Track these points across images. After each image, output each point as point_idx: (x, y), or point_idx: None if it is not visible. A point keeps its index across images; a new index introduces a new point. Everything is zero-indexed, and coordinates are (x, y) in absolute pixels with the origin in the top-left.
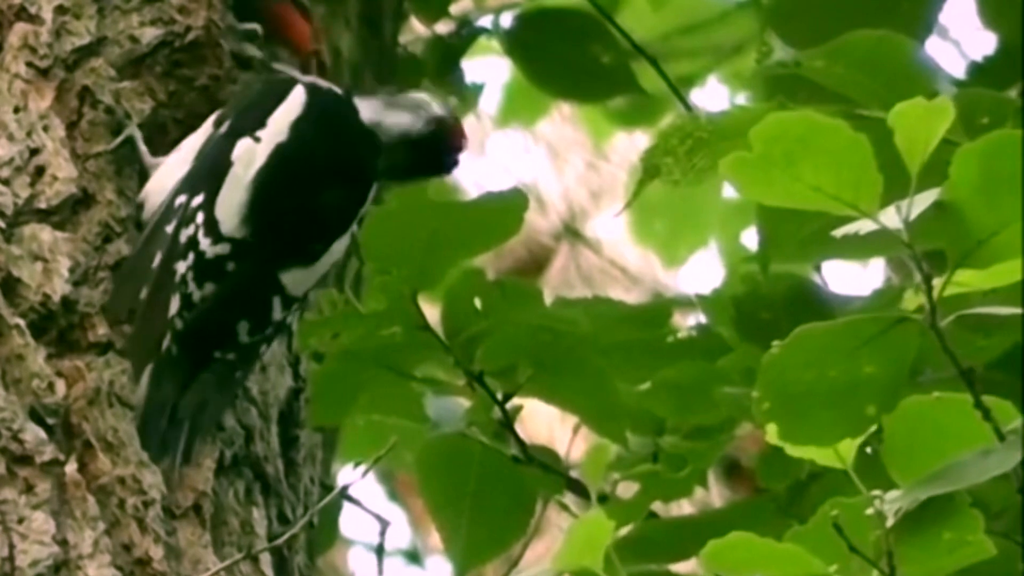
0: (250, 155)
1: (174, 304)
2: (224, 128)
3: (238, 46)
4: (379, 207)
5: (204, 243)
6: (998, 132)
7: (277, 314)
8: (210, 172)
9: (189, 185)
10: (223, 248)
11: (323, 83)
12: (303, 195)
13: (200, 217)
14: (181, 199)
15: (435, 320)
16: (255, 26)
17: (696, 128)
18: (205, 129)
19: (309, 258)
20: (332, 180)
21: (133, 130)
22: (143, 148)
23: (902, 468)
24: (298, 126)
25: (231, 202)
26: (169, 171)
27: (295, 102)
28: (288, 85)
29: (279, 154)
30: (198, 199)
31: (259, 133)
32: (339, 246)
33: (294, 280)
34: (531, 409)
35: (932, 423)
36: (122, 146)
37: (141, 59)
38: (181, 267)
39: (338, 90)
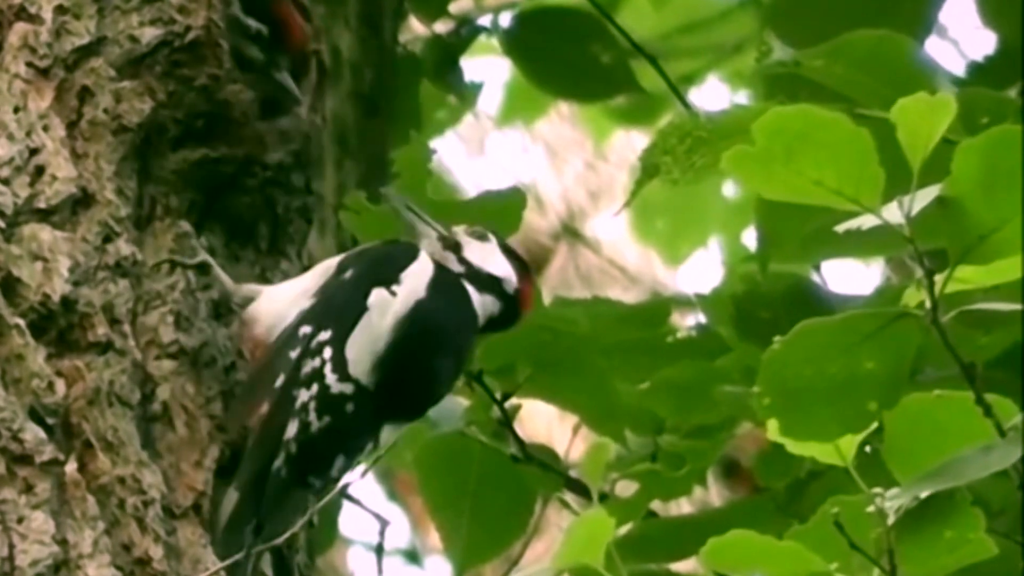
0: (386, 305)
1: (292, 428)
2: (350, 274)
3: (241, 43)
4: (378, 206)
5: (330, 378)
6: (999, 128)
7: (361, 457)
8: (340, 311)
9: (315, 318)
10: (347, 388)
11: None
12: (429, 356)
13: (328, 352)
14: (306, 330)
15: None
16: (262, 27)
17: (695, 127)
18: (323, 270)
19: (413, 416)
20: (449, 347)
21: (207, 258)
22: (223, 275)
23: (903, 465)
24: (433, 288)
25: (364, 347)
26: (285, 300)
27: (426, 266)
28: (414, 250)
29: (418, 310)
30: (325, 334)
31: (394, 287)
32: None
33: (388, 432)
34: (530, 409)
35: (933, 420)
36: (199, 269)
37: (141, 59)
38: (303, 395)
39: (455, 275)
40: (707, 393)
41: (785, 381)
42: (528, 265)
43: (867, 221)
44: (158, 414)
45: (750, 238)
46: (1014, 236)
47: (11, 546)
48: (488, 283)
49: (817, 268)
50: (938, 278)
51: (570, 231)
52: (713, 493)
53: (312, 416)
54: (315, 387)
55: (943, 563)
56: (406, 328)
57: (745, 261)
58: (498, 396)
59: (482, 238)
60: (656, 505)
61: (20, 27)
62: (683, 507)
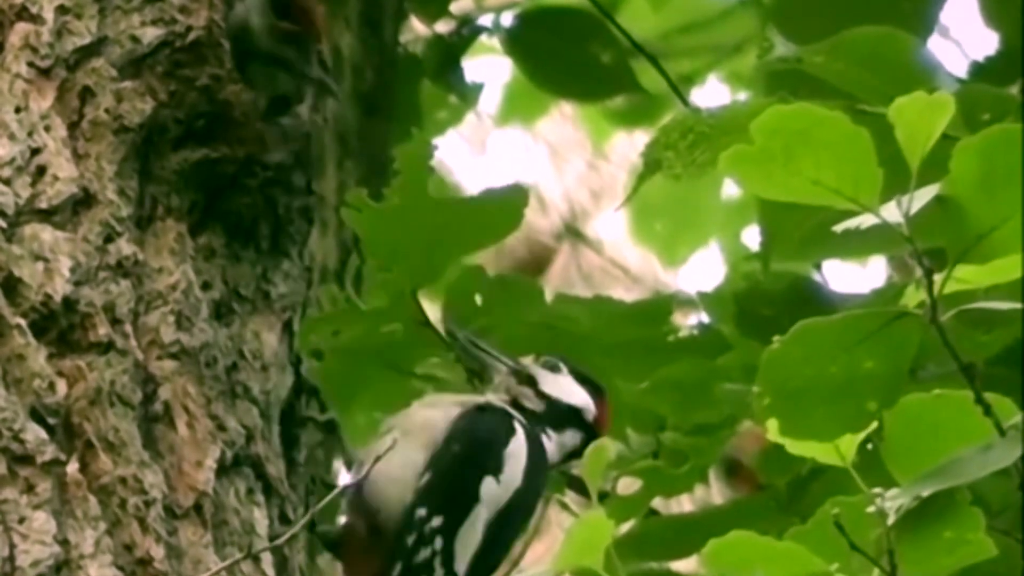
0: (492, 499)
1: None
2: (458, 450)
3: (275, 47)
4: (380, 204)
5: (439, 572)
6: (998, 127)
7: None
8: (452, 498)
9: (429, 501)
10: None
11: (523, 419)
12: (511, 537)
13: (439, 543)
14: (421, 513)
15: (436, 317)
16: (294, 27)
17: (697, 123)
18: (428, 430)
19: None
20: (526, 522)
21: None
22: (347, 443)
23: (902, 465)
24: (527, 474)
25: (470, 541)
26: (400, 474)
27: (520, 445)
28: (509, 420)
29: (515, 500)
30: (437, 520)
31: (500, 476)
32: None
33: None
34: None
35: (932, 419)
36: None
37: (142, 59)
38: None
39: (534, 431)
40: (708, 391)
41: (784, 381)
42: (601, 387)
43: (866, 220)
44: (159, 414)
45: (750, 237)
46: (1013, 235)
47: (12, 546)
48: (568, 417)
49: (818, 266)
50: (937, 277)
51: (572, 231)
52: (715, 492)
53: None
54: None
55: (943, 563)
56: (504, 519)
57: (747, 259)
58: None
59: (554, 369)
60: (658, 503)
61: (21, 27)
62: (684, 506)
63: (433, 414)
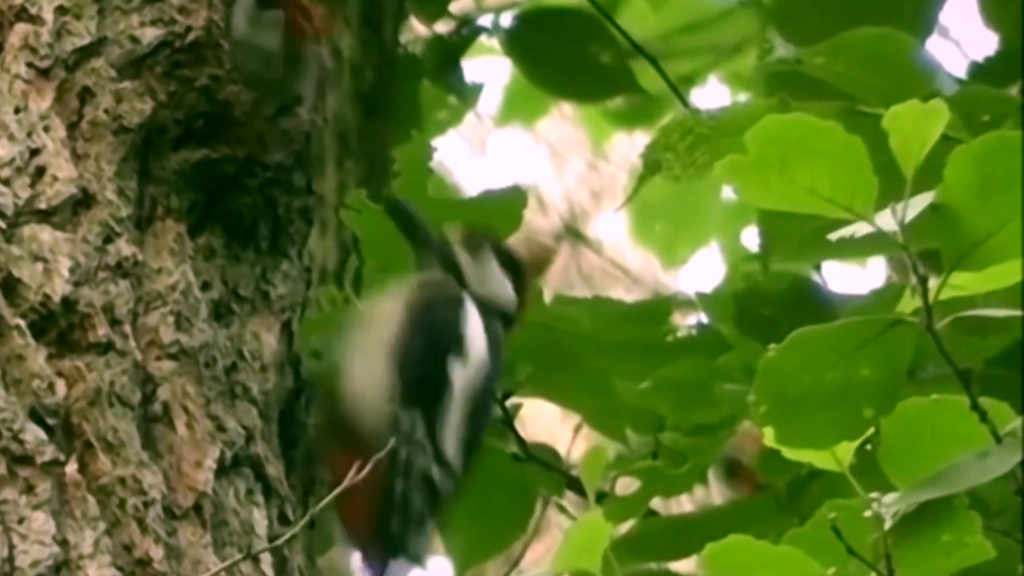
0: (466, 380)
1: (412, 539)
2: (418, 341)
3: (257, 36)
4: (380, 205)
5: (434, 471)
6: (994, 133)
7: None
8: (425, 392)
9: (406, 404)
10: (448, 482)
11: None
12: (485, 418)
13: (428, 444)
14: (404, 422)
15: None
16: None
17: (697, 124)
18: (382, 331)
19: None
20: (492, 404)
21: None
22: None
23: (900, 470)
24: (490, 350)
25: (453, 430)
26: (365, 376)
27: (476, 323)
28: (457, 300)
29: (487, 382)
30: (420, 423)
31: (465, 357)
32: None
33: None
34: (532, 408)
35: (929, 425)
36: None
37: (142, 59)
38: (416, 501)
39: (492, 304)
40: (708, 391)
41: (781, 388)
42: (523, 268)
43: (860, 228)
44: (159, 415)
45: (749, 238)
46: (1010, 241)
47: (11, 546)
48: (490, 310)
49: (817, 267)
50: (934, 283)
51: (572, 232)
52: (715, 493)
53: (428, 522)
54: (425, 488)
55: (940, 566)
56: (478, 403)
57: (746, 260)
58: (499, 395)
59: (479, 250)
60: (657, 504)
61: (21, 28)
62: (684, 506)
63: (386, 311)
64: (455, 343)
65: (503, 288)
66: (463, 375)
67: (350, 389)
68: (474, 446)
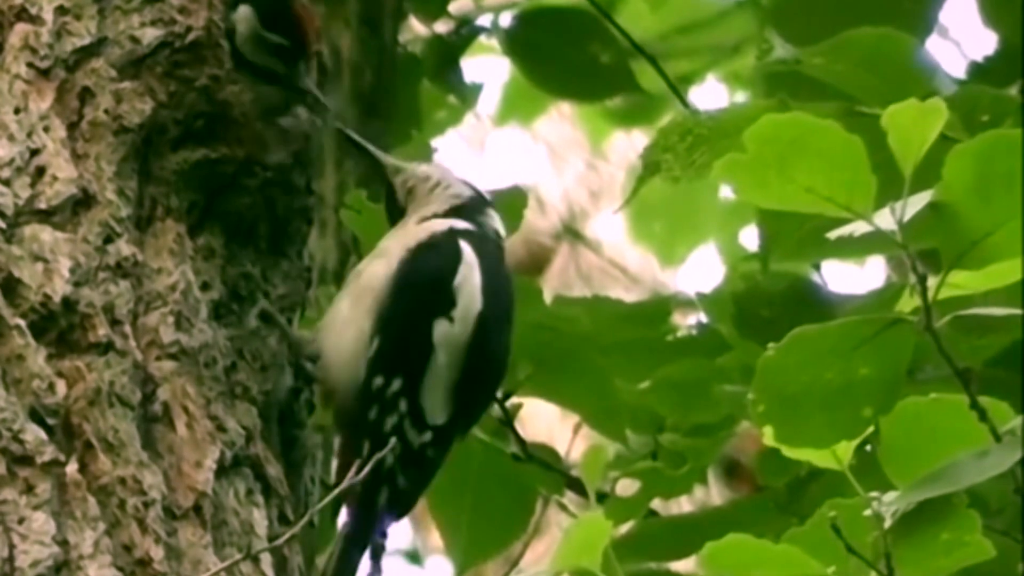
0: (450, 340)
1: (383, 496)
2: (405, 304)
3: (263, 59)
4: (379, 205)
5: (411, 434)
6: (992, 132)
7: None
8: (407, 355)
9: (384, 367)
10: (427, 436)
11: (468, 225)
12: (493, 362)
13: (404, 405)
14: (378, 382)
15: None
16: (283, 40)
17: (696, 125)
18: (370, 294)
19: (477, 420)
20: (508, 330)
21: (267, 305)
22: (283, 321)
23: (899, 469)
24: (485, 292)
25: (437, 389)
26: (349, 351)
27: (469, 266)
28: (452, 244)
29: (481, 327)
30: (397, 383)
31: (452, 313)
32: None
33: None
34: (532, 408)
35: (929, 424)
36: (261, 319)
37: (142, 59)
38: (388, 459)
39: (488, 231)
40: (707, 391)
41: (780, 388)
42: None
43: (859, 228)
44: (159, 415)
45: (748, 238)
46: (1009, 240)
47: (12, 547)
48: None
49: (817, 267)
50: (932, 282)
51: (571, 231)
52: (714, 493)
53: (400, 478)
54: (399, 447)
55: (940, 565)
56: (471, 355)
57: (746, 260)
58: (498, 394)
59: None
60: (656, 504)
61: (21, 28)
62: (684, 507)
63: (376, 269)
64: (441, 300)
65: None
66: (451, 332)
67: (330, 342)
68: (477, 397)
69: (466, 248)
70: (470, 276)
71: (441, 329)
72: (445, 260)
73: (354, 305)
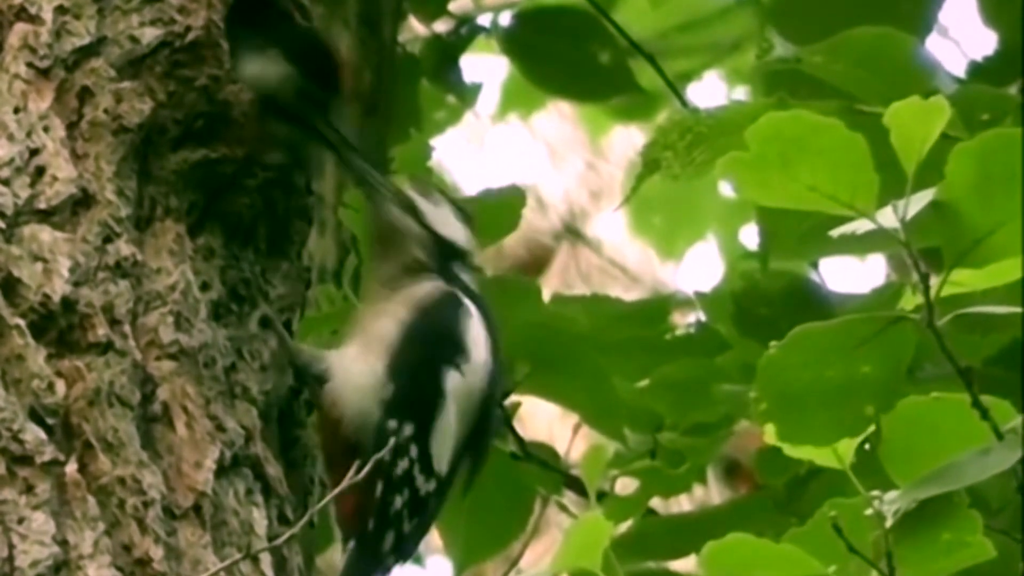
0: (462, 391)
1: (389, 540)
2: (418, 352)
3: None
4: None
5: (419, 480)
6: (994, 131)
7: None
8: (419, 401)
9: (398, 411)
10: (432, 485)
11: (465, 286)
12: (494, 418)
13: (414, 451)
14: (392, 424)
15: None
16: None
17: (696, 123)
18: (384, 338)
19: (474, 474)
20: (500, 391)
21: (268, 311)
22: (283, 332)
23: (900, 468)
24: (492, 352)
25: (446, 439)
26: (366, 389)
27: (477, 324)
28: (457, 302)
29: (491, 387)
30: (408, 428)
31: (464, 366)
32: None
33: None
34: (532, 408)
35: (930, 423)
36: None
37: (141, 59)
38: (397, 502)
39: (479, 298)
40: (706, 391)
41: (782, 386)
42: (471, 216)
43: (862, 226)
44: (158, 415)
45: (747, 236)
46: (1011, 238)
47: (11, 546)
48: (452, 252)
49: (815, 266)
50: (934, 280)
51: (571, 231)
52: (714, 492)
53: (406, 524)
54: (407, 492)
55: (941, 565)
56: (480, 411)
57: (745, 258)
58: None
59: (429, 196)
60: (656, 504)
61: (20, 27)
62: (683, 506)
63: (384, 322)
64: (455, 350)
65: (459, 228)
66: (462, 383)
67: (341, 375)
68: (479, 451)
69: (469, 304)
70: (477, 331)
71: (453, 379)
72: (452, 314)
73: (364, 350)
